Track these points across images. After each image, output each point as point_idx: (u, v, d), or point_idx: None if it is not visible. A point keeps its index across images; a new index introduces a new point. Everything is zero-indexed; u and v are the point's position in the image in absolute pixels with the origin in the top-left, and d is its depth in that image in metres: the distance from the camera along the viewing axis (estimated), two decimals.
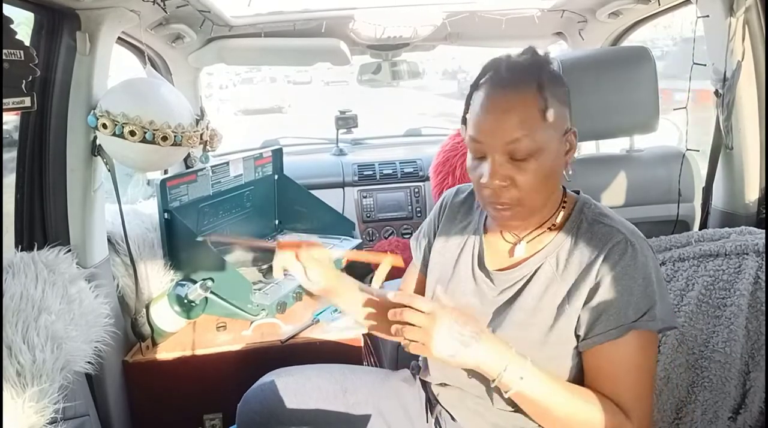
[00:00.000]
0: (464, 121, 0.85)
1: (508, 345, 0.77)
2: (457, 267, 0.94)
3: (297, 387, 1.03)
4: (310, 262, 0.95)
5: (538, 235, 0.86)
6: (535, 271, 0.85)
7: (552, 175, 0.81)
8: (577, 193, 0.90)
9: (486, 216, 0.94)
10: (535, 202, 0.81)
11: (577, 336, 0.81)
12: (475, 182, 0.83)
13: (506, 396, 0.76)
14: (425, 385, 1.03)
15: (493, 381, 0.76)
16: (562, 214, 0.86)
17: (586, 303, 0.80)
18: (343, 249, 1.73)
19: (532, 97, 0.77)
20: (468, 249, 0.94)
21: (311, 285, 0.97)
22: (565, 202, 0.87)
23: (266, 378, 1.07)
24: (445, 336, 0.73)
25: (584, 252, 0.82)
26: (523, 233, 0.87)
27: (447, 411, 0.95)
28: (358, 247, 1.78)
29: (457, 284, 0.92)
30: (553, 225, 0.86)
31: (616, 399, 0.77)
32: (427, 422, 1.00)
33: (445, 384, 0.94)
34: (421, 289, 1.04)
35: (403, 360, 1.31)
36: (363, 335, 1.36)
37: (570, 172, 0.84)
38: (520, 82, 0.78)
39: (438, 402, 0.97)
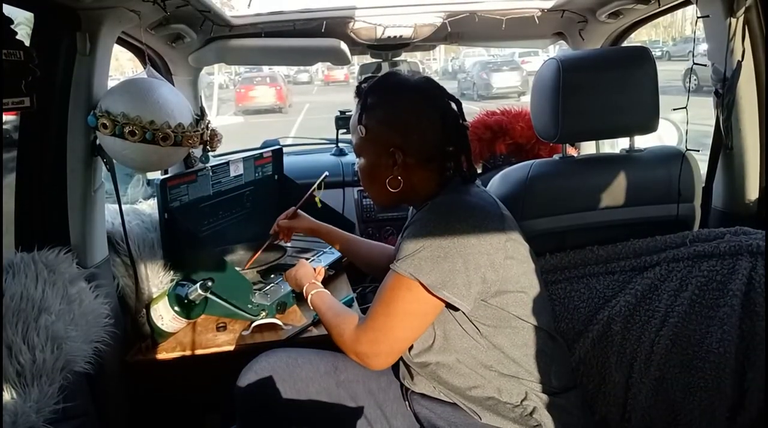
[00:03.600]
0: None
1: (312, 279, 1.21)
2: None
3: (290, 361, 1.14)
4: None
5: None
6: None
7: (375, 178, 1.04)
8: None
9: None
10: (370, 192, 1.10)
11: None
12: None
13: (308, 302, 1.17)
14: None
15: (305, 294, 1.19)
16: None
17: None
18: None
19: (357, 111, 1.04)
20: None
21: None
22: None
23: (261, 356, 1.15)
24: (290, 278, 1.30)
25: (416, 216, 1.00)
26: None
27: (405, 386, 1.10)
28: None
29: None
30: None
31: (366, 315, 0.98)
32: (405, 400, 1.11)
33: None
34: None
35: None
36: None
37: (400, 183, 1.01)
38: (359, 96, 1.05)
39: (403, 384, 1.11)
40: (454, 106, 1.04)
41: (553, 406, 0.98)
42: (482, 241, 0.92)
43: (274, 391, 1.10)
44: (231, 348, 1.32)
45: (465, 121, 1.05)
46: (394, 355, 0.98)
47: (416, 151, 1.00)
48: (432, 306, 0.93)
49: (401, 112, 1.00)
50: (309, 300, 1.17)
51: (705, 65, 1.27)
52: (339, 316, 1.06)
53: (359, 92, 1.06)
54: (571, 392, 1.04)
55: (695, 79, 1.31)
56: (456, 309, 0.94)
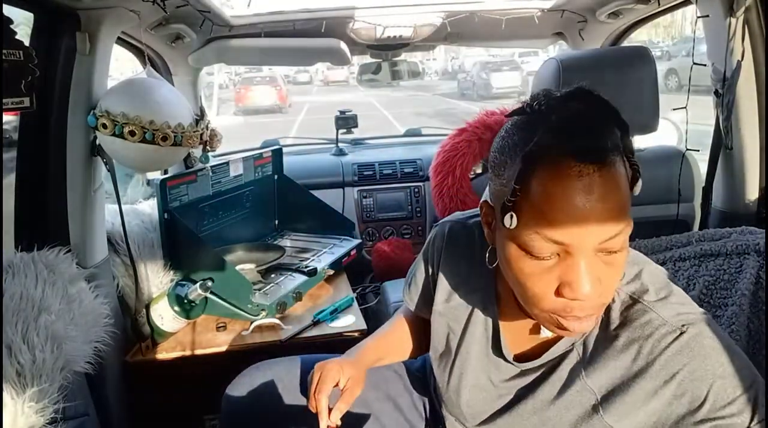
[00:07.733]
0: (509, 208, 0.58)
1: None
2: (465, 343, 0.80)
3: (283, 375, 1.00)
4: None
5: None
6: (561, 357, 0.70)
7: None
8: None
9: (496, 283, 0.77)
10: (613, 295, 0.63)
11: None
12: (544, 294, 0.59)
13: None
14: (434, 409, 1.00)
15: None
16: None
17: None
18: (343, 249, 1.73)
19: (622, 168, 0.57)
20: (478, 324, 0.79)
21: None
22: None
23: (252, 368, 1.03)
24: None
25: (617, 345, 0.65)
26: None
27: None
28: (358, 247, 1.78)
29: (466, 364, 0.80)
30: None
31: None
32: (423, 420, 1.00)
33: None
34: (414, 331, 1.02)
35: None
36: (363, 335, 1.36)
37: None
38: (606, 152, 0.55)
39: None
40: None
41: None
42: None
43: (263, 406, 0.98)
44: (231, 348, 1.32)
45: None
46: None
47: None
48: None
49: None
50: None
51: (705, 65, 1.27)
52: None
53: (602, 127, 0.60)
54: None
55: (676, 80, 1.30)
56: None
